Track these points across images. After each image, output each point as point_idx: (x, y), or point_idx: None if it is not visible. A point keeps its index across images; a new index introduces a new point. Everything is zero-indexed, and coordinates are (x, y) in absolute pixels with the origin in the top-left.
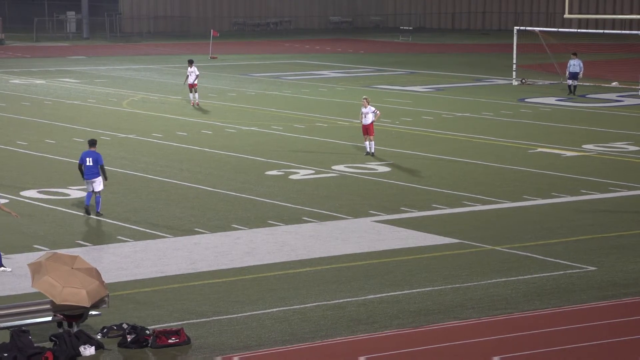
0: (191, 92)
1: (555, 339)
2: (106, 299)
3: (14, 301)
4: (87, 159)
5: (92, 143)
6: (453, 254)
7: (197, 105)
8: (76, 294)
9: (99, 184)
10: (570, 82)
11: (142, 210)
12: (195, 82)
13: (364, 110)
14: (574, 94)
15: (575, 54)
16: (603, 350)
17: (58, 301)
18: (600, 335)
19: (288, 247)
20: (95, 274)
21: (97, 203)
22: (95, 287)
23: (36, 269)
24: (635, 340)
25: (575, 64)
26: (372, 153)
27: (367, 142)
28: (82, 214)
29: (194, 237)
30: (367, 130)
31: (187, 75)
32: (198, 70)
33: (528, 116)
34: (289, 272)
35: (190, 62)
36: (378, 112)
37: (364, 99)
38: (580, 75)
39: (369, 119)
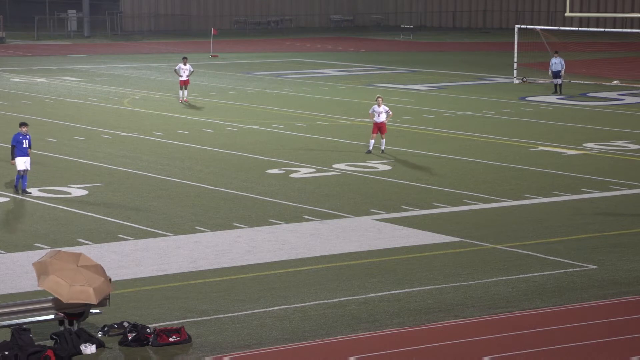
0: (181, 89)
1: (556, 338)
2: (108, 297)
3: (14, 299)
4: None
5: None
6: (454, 253)
7: (186, 102)
8: (83, 292)
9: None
10: (555, 81)
11: (143, 208)
12: (188, 79)
13: (377, 109)
14: (560, 93)
15: (556, 52)
16: (604, 348)
17: (65, 300)
18: (601, 333)
19: (289, 246)
20: (100, 270)
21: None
22: (101, 284)
23: (41, 268)
24: (636, 339)
25: (557, 62)
26: (382, 150)
27: (372, 141)
28: (83, 212)
29: (195, 236)
30: (379, 128)
31: (180, 73)
32: (193, 67)
33: (529, 115)
34: (290, 271)
35: (185, 59)
36: (390, 112)
37: (378, 97)
38: (563, 73)
39: (382, 117)
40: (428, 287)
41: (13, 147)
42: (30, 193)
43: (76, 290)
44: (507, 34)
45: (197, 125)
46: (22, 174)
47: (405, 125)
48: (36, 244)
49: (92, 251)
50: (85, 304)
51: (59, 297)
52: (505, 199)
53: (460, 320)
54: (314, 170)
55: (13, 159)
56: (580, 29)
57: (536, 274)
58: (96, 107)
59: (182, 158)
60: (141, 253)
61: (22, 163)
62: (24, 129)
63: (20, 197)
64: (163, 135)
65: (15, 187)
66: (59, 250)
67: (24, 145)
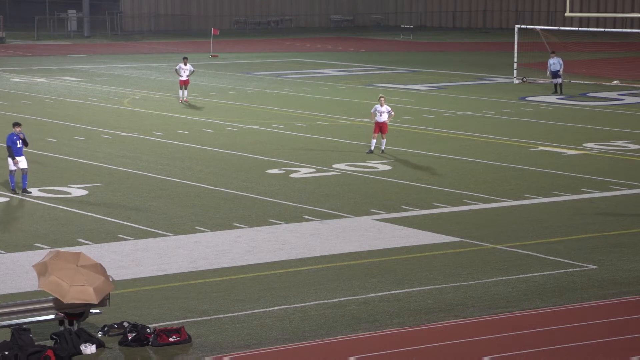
0: (181, 89)
1: (556, 338)
2: (108, 297)
3: (14, 299)
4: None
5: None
6: (454, 253)
7: (186, 102)
8: (83, 292)
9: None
10: (554, 81)
11: (143, 208)
12: (188, 79)
13: (379, 108)
14: (561, 93)
15: (554, 52)
16: (604, 348)
17: (66, 300)
18: (601, 333)
19: (289, 246)
20: (100, 269)
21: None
22: (101, 284)
23: (41, 269)
24: (636, 339)
25: (555, 62)
26: (383, 150)
27: (374, 140)
28: (83, 212)
29: (195, 236)
30: (381, 128)
31: (180, 73)
32: (193, 67)
33: (529, 114)
34: (290, 271)
35: (185, 59)
36: (392, 112)
37: (380, 97)
38: (561, 72)
39: (384, 117)
40: (428, 287)
41: (9, 147)
42: (31, 193)
43: (76, 290)
44: (507, 34)
45: (197, 125)
46: (23, 173)
47: (405, 125)
48: (36, 244)
49: (92, 251)
50: (86, 304)
51: (60, 298)
52: (505, 199)
53: (460, 320)
54: (314, 170)
55: (14, 158)
56: (580, 29)
57: (536, 274)
58: (96, 107)
59: (182, 158)
60: (141, 253)
61: (18, 163)
62: (17, 129)
63: (19, 197)
64: (163, 135)
65: (13, 188)
66: (59, 251)
67: (18, 146)
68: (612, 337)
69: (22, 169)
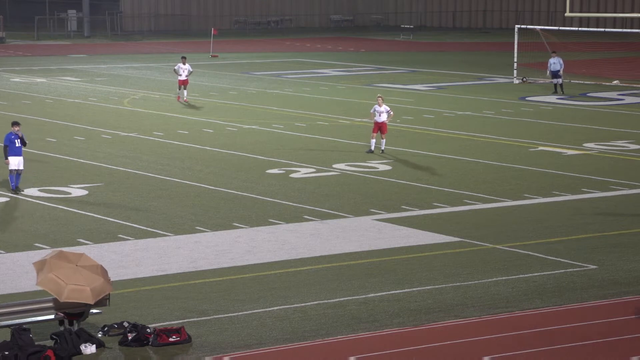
0: (180, 88)
1: (556, 338)
2: (108, 297)
3: (14, 299)
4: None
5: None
6: (454, 253)
7: (186, 102)
8: (80, 292)
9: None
10: (555, 81)
11: (143, 208)
12: (187, 78)
13: (378, 108)
14: (563, 93)
15: (554, 52)
16: (604, 348)
17: (62, 299)
18: (601, 333)
19: (289, 246)
20: (101, 271)
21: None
22: (99, 285)
23: (41, 267)
24: (636, 339)
25: (555, 62)
26: (382, 150)
27: (374, 140)
28: (83, 212)
29: (195, 236)
30: (380, 128)
31: (179, 72)
32: (192, 67)
33: (529, 115)
34: (290, 271)
35: (184, 59)
36: (391, 112)
37: (378, 97)
38: (561, 72)
39: (383, 117)
40: (428, 287)
41: (6, 146)
42: (22, 191)
43: (73, 289)
44: (507, 34)
45: (197, 125)
46: (15, 173)
47: (405, 125)
48: (36, 244)
49: (92, 251)
50: (84, 304)
51: (56, 296)
52: (505, 199)
53: (460, 320)
54: (314, 170)
55: (6, 158)
56: (580, 29)
57: (536, 274)
58: (96, 107)
59: (182, 158)
60: (141, 253)
61: (15, 163)
62: (15, 128)
63: (20, 197)
64: (163, 135)
65: (12, 188)
66: (61, 250)
67: (17, 145)
68: (612, 337)
69: (17, 170)
